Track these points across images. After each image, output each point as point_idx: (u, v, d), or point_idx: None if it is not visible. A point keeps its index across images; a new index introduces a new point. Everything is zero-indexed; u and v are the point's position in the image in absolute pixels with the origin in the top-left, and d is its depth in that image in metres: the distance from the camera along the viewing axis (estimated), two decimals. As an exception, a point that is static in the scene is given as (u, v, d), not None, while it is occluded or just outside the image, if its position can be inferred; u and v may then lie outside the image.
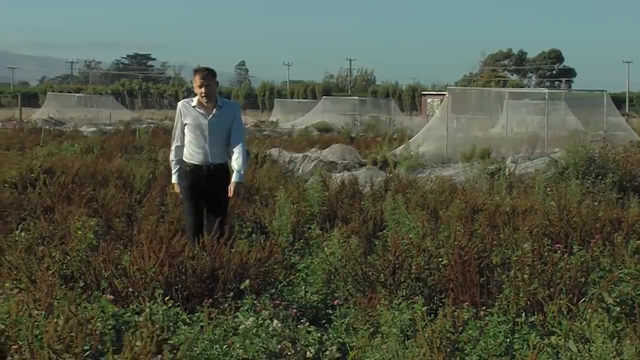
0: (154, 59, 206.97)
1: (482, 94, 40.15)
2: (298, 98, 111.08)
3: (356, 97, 78.88)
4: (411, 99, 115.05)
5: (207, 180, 9.45)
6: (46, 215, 11.43)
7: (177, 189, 9.82)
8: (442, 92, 70.99)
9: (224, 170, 9.55)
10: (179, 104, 9.81)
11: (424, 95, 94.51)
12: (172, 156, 9.77)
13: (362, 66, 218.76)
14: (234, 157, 9.48)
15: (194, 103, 9.56)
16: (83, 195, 12.89)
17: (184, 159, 9.59)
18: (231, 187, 9.39)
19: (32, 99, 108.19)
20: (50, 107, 72.25)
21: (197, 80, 9.50)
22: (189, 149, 9.56)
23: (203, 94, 9.45)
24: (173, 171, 9.78)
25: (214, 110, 9.50)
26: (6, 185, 14.26)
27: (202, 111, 9.51)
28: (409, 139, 34.54)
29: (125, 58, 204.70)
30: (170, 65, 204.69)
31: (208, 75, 9.53)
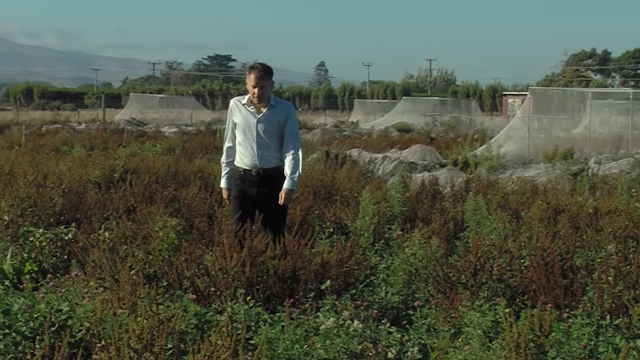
0: (234, 60, 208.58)
1: (564, 94, 39.75)
2: (378, 98, 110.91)
3: (436, 98, 78.67)
4: (492, 99, 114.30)
5: (257, 187, 8.84)
6: (129, 215, 11.56)
7: (225, 194, 9.17)
8: (523, 92, 70.49)
9: (277, 175, 8.83)
10: (231, 101, 9.12)
11: (505, 95, 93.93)
12: (223, 158, 9.18)
13: (442, 66, 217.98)
14: (286, 161, 8.84)
15: (245, 101, 8.90)
16: (165, 195, 13.01)
17: (235, 163, 9.04)
18: (282, 194, 8.74)
19: (115, 99, 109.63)
20: (132, 108, 73.14)
21: (251, 79, 8.75)
22: (239, 151, 8.97)
23: (255, 95, 8.76)
24: (222, 174, 9.18)
25: (265, 109, 8.84)
26: (90, 185, 14.45)
27: (252, 110, 8.86)
28: (490, 139, 34.28)
29: (206, 59, 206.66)
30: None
31: (264, 75, 8.76)
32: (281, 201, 8.72)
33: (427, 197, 14.00)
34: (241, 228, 8.35)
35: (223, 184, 9.15)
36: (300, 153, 8.98)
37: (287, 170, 8.77)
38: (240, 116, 8.90)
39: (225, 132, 9.22)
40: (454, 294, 7.60)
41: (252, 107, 8.86)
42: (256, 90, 8.73)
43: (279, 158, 8.91)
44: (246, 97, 8.91)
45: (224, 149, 9.18)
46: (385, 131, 49.02)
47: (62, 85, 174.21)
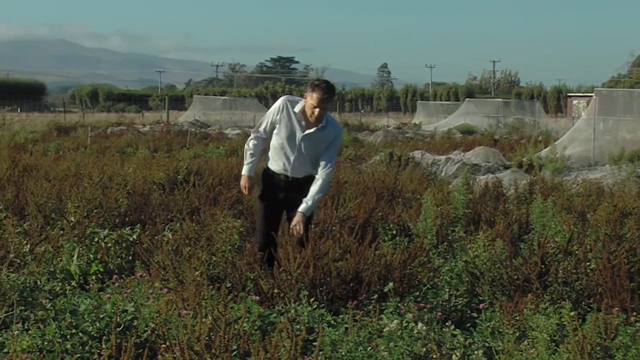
0: (297, 62, 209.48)
1: (630, 95, 39.18)
2: (441, 100, 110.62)
3: (500, 99, 78.18)
4: (556, 101, 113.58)
5: (285, 192, 8.56)
6: (192, 217, 11.62)
7: (245, 182, 8.74)
8: (588, 94, 69.74)
9: (305, 182, 8.53)
10: (282, 101, 8.61)
11: (570, 96, 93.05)
12: (250, 144, 8.73)
13: (506, 67, 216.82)
14: (314, 183, 8.47)
15: (297, 109, 8.43)
16: (228, 197, 13.07)
17: (267, 165, 8.71)
18: (296, 219, 8.36)
19: (178, 102, 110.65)
20: (196, 110, 73.45)
21: (314, 98, 8.26)
22: (272, 153, 8.64)
23: (315, 115, 8.31)
24: (246, 161, 8.75)
25: (315, 127, 8.40)
26: (154, 186, 14.56)
27: (301, 123, 8.43)
28: (555, 141, 33.97)
29: (269, 61, 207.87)
30: (313, 68, 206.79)
31: (329, 98, 8.32)
32: (293, 223, 8.37)
33: (491, 199, 13.91)
34: (267, 231, 8.48)
35: (246, 171, 8.78)
36: (329, 179, 8.71)
37: (310, 192, 8.46)
38: (288, 124, 8.49)
39: (262, 123, 8.70)
40: (519, 296, 7.54)
41: (303, 119, 8.44)
42: (317, 110, 8.30)
43: (310, 170, 8.58)
44: (299, 104, 8.46)
45: (254, 136, 8.76)
46: (448, 133, 48.77)
47: (126, 87, 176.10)
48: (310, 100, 8.30)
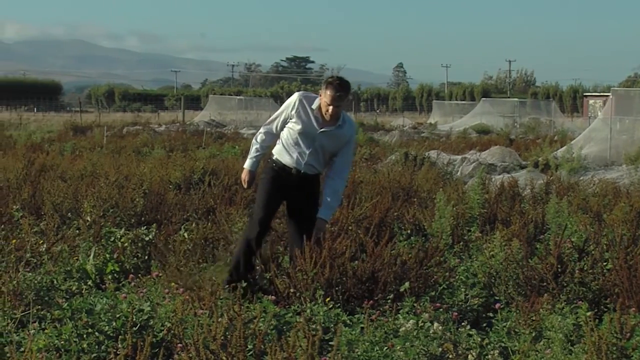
0: (312, 62, 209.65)
1: (647, 94, 39.05)
2: (456, 100, 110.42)
3: (515, 99, 77.97)
4: (572, 101, 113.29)
5: (292, 187, 8.32)
6: (208, 216, 11.64)
7: (244, 176, 8.59)
8: (604, 94, 69.49)
9: (314, 179, 8.43)
10: (298, 97, 8.40)
11: (586, 96, 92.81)
12: (258, 138, 8.59)
13: (522, 67, 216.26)
14: (330, 186, 8.35)
15: (315, 106, 8.22)
16: (244, 196, 13.08)
17: (274, 157, 8.45)
18: (316, 226, 8.21)
19: (194, 101, 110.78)
20: (211, 110, 73.42)
21: (327, 96, 8.07)
22: (286, 146, 8.38)
23: (329, 113, 8.12)
24: (251, 155, 8.60)
25: (332, 125, 8.24)
26: (170, 186, 14.59)
27: (319, 119, 8.23)
28: (571, 141, 33.87)
29: (284, 61, 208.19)
30: (329, 68, 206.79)
31: (342, 96, 8.10)
32: (315, 233, 8.15)
33: (507, 199, 13.87)
34: (264, 220, 8.27)
35: (249, 165, 8.60)
36: (346, 182, 8.68)
37: (327, 196, 8.33)
38: (305, 120, 8.28)
39: (274, 118, 8.51)
40: (535, 296, 7.53)
41: (320, 116, 8.23)
42: (331, 108, 8.10)
43: (320, 168, 8.47)
44: (317, 101, 8.24)
45: (263, 131, 8.58)
46: (464, 133, 48.68)
47: (142, 87, 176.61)
48: (324, 98, 8.13)
